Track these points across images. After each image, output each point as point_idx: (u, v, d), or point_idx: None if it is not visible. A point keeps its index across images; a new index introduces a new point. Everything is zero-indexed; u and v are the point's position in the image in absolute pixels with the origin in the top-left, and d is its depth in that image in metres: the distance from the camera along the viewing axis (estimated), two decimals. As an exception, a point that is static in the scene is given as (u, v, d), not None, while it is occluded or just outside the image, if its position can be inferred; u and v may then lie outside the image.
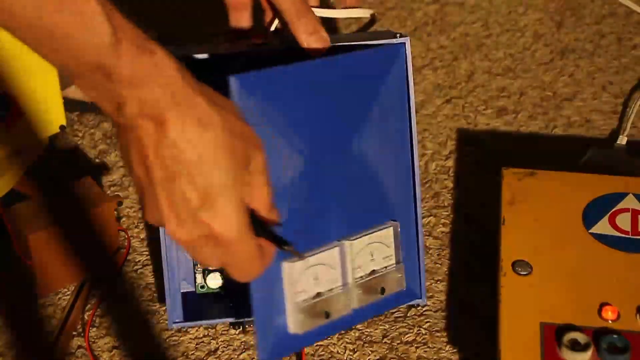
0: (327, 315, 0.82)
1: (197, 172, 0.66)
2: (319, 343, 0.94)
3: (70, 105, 1.17)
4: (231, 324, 0.96)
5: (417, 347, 0.94)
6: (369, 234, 0.85)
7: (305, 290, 0.81)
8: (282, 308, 0.81)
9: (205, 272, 0.94)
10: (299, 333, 0.81)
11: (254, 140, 0.70)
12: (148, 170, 0.67)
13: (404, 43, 0.86)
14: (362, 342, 0.95)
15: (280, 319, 0.81)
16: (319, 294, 0.82)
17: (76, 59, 0.65)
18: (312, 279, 0.81)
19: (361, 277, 0.85)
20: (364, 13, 0.92)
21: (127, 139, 0.68)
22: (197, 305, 0.93)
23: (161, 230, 0.91)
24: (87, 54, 0.64)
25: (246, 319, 0.93)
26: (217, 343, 0.95)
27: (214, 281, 0.94)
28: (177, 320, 0.92)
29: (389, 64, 0.86)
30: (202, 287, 0.95)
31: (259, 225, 0.71)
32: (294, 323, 0.81)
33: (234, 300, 0.93)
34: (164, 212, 0.68)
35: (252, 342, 0.95)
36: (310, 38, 0.85)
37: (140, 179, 0.68)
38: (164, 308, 0.98)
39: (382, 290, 0.86)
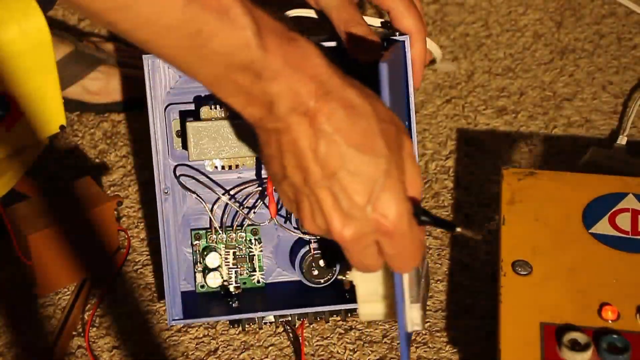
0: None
1: (357, 163, 0.64)
2: (319, 343, 0.94)
3: (70, 105, 1.17)
4: (231, 322, 0.96)
5: (417, 347, 0.94)
6: None
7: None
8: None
9: (205, 272, 0.94)
10: (420, 329, 0.80)
11: (401, 125, 0.68)
12: (307, 171, 0.65)
13: (404, 41, 0.86)
14: (362, 342, 0.95)
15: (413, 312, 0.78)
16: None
17: (224, 61, 0.63)
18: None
19: None
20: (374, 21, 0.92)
21: (280, 144, 0.65)
22: (196, 305, 0.93)
23: (161, 229, 0.91)
24: (234, 53, 0.62)
25: (244, 317, 0.93)
26: (217, 343, 0.95)
27: (214, 280, 0.94)
28: (176, 318, 0.92)
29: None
30: (202, 286, 0.95)
31: (420, 212, 0.69)
32: (421, 320, 0.79)
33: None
34: (328, 213, 0.65)
35: (251, 342, 0.95)
36: (358, 48, 0.85)
37: (296, 185, 0.66)
38: (163, 308, 0.98)
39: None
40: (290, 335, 0.96)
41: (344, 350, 0.94)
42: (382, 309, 0.78)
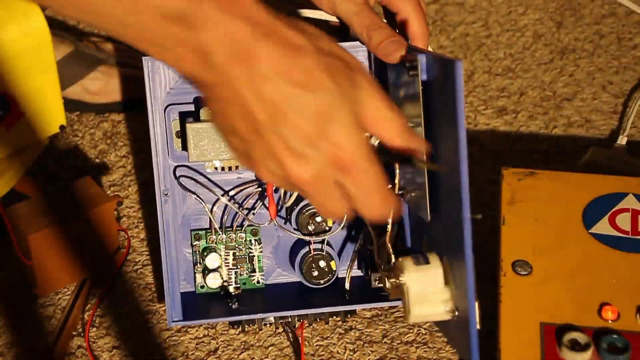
0: None
1: (303, 102, 0.63)
2: (319, 343, 0.94)
3: (70, 105, 1.17)
4: (230, 323, 0.96)
5: (417, 347, 0.94)
6: None
7: None
8: None
9: (205, 272, 0.94)
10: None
11: (352, 60, 0.66)
12: (252, 119, 0.63)
13: (462, 61, 0.82)
14: (362, 342, 0.95)
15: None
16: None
17: (153, 12, 0.61)
18: None
19: None
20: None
21: (222, 97, 0.64)
22: (196, 306, 0.93)
23: (161, 231, 0.90)
24: (164, 2, 0.61)
25: (244, 318, 0.93)
26: (217, 343, 0.95)
27: (214, 281, 0.94)
28: (176, 319, 0.92)
29: (446, 78, 0.79)
30: (202, 287, 0.95)
31: (382, 151, 0.67)
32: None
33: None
34: (281, 156, 0.64)
35: (251, 342, 0.95)
36: (381, 48, 0.84)
37: (245, 136, 0.64)
38: (163, 308, 0.98)
39: None
40: (290, 335, 0.96)
41: (344, 350, 0.94)
42: (437, 309, 0.79)
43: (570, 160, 1.11)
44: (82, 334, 0.96)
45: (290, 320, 0.95)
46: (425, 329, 0.95)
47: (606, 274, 0.88)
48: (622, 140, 1.11)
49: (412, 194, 0.84)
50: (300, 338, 0.94)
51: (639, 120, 1.16)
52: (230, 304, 0.93)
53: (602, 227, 0.92)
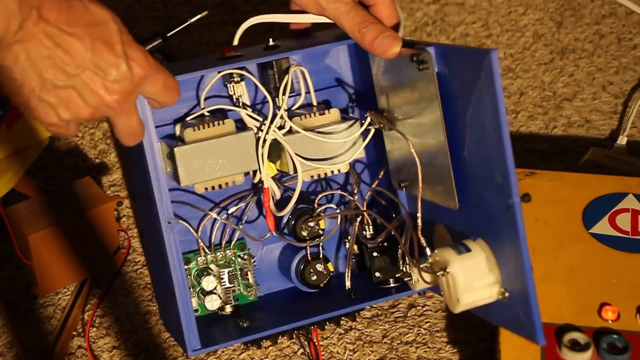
0: None
1: (94, 40, 0.72)
2: (319, 343, 0.94)
3: (70, 105, 1.16)
4: (244, 343, 0.93)
5: (417, 347, 0.94)
6: None
7: None
8: None
9: (202, 295, 0.92)
10: None
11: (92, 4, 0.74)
12: (62, 62, 0.72)
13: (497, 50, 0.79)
14: (362, 342, 0.95)
15: None
16: None
17: None
18: None
19: None
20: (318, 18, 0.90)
21: (28, 55, 0.71)
22: (207, 330, 0.90)
23: (170, 263, 0.85)
24: None
25: (263, 335, 0.90)
26: (217, 343, 0.95)
27: (212, 303, 0.91)
28: (196, 348, 0.87)
29: (480, 68, 0.78)
30: (196, 310, 0.92)
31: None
32: None
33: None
34: (98, 87, 0.73)
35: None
36: (376, 44, 0.85)
37: (59, 84, 0.73)
38: (164, 308, 0.98)
39: None
40: (302, 339, 0.95)
41: (344, 350, 0.94)
42: (484, 294, 0.80)
43: (570, 160, 1.11)
44: (82, 334, 0.96)
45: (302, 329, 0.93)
46: (425, 329, 0.95)
47: (606, 274, 0.88)
48: (622, 140, 1.11)
49: (417, 187, 0.85)
50: (317, 344, 0.93)
51: (639, 120, 1.16)
52: (240, 324, 0.90)
53: (602, 227, 0.92)
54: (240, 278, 0.93)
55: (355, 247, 0.94)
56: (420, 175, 0.84)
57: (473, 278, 0.80)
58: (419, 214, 0.84)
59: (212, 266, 0.92)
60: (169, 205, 0.85)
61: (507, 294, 0.79)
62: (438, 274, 0.80)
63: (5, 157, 1.01)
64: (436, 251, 0.82)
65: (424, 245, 0.83)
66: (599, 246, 0.91)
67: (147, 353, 0.95)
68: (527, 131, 1.16)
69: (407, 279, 0.86)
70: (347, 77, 0.96)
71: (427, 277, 0.83)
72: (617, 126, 1.16)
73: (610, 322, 0.85)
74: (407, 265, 0.86)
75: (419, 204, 0.84)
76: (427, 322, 0.96)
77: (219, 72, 0.88)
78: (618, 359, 0.81)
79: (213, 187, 0.88)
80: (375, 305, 0.98)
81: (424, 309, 0.97)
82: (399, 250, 0.88)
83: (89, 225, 1.00)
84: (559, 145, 1.14)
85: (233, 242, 0.93)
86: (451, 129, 0.81)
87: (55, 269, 0.99)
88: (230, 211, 0.93)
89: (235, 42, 0.89)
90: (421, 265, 0.83)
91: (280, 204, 0.91)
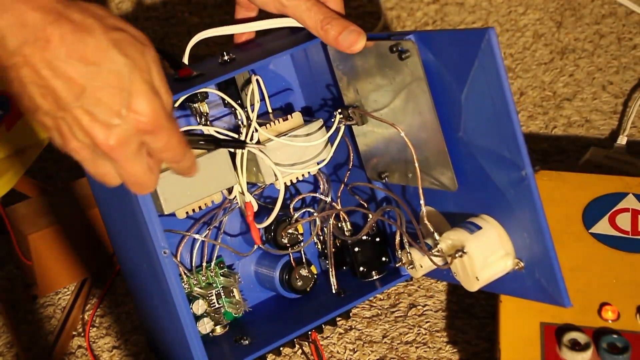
0: None
1: (100, 77, 0.67)
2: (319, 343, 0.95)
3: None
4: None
5: (417, 347, 0.94)
6: None
7: None
8: None
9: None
10: None
11: (136, 33, 0.70)
12: (55, 96, 0.67)
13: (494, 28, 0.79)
14: (362, 342, 0.95)
15: None
16: None
17: None
18: None
19: None
20: (289, 22, 0.88)
21: (21, 78, 0.67)
22: (216, 353, 0.86)
23: (173, 293, 0.80)
24: None
25: (269, 349, 0.88)
26: (217, 343, 0.95)
27: (205, 326, 0.90)
28: None
29: (476, 50, 0.78)
30: None
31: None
32: None
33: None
34: (89, 127, 0.68)
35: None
36: (341, 40, 0.84)
37: (51, 112, 0.68)
38: (164, 308, 0.98)
39: None
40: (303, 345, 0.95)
41: (344, 350, 0.94)
42: (499, 267, 0.82)
43: (570, 160, 1.11)
44: (82, 334, 0.96)
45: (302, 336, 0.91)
46: (425, 329, 0.95)
47: (606, 274, 0.88)
48: (622, 140, 1.11)
49: (408, 174, 0.86)
50: (319, 347, 0.92)
51: (639, 120, 1.16)
52: (242, 342, 0.88)
53: (602, 227, 0.92)
54: (224, 296, 0.91)
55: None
56: (416, 162, 0.84)
57: (488, 254, 0.81)
58: (421, 201, 0.84)
59: (196, 289, 0.91)
60: (163, 236, 0.80)
61: (521, 264, 0.81)
62: (456, 255, 0.81)
63: (5, 157, 1.01)
64: (446, 234, 0.82)
65: (432, 230, 0.83)
66: (599, 246, 0.91)
67: (147, 353, 0.95)
68: (527, 131, 1.16)
69: (410, 267, 0.86)
70: (298, 79, 0.95)
71: (438, 261, 0.83)
72: (617, 126, 1.16)
73: (610, 322, 0.85)
74: (408, 254, 0.85)
75: (420, 191, 0.84)
76: (427, 322, 0.96)
77: (184, 96, 0.85)
78: (618, 359, 0.81)
79: (194, 210, 0.86)
80: (375, 305, 0.98)
81: (424, 309, 0.97)
82: (396, 238, 0.87)
83: (89, 225, 1.00)
84: (559, 145, 1.14)
85: (213, 262, 0.91)
86: (440, 112, 0.81)
87: (55, 269, 0.99)
88: (209, 230, 0.91)
89: (185, 60, 0.87)
90: (432, 251, 0.83)
91: (257, 215, 0.90)
